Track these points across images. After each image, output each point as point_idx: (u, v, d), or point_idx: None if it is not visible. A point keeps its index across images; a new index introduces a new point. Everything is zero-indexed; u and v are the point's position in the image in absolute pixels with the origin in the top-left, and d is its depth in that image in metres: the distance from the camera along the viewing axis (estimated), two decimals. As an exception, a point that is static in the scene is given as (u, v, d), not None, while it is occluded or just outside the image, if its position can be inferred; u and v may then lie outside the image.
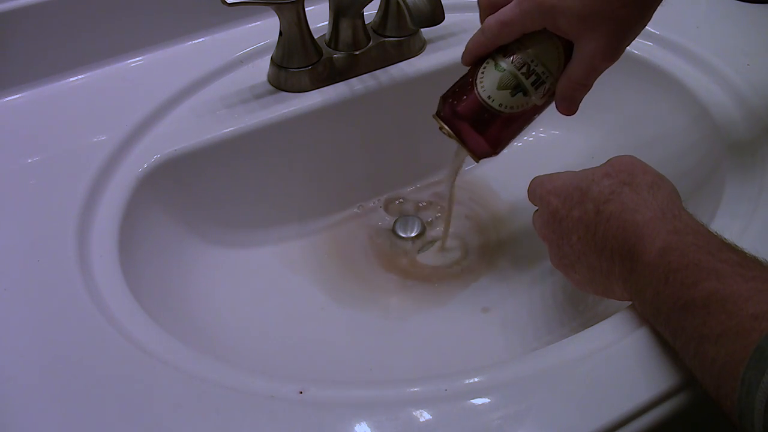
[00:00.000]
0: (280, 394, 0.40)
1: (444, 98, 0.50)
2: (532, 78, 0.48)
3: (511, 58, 0.48)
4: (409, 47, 0.65)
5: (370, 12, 0.63)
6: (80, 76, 0.62)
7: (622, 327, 0.42)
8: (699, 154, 0.60)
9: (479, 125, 0.49)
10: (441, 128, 0.50)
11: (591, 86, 0.49)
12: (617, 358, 0.41)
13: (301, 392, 0.40)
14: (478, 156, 0.51)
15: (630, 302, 0.44)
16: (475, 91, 0.48)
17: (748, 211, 0.50)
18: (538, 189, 0.51)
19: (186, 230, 0.58)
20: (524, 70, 0.47)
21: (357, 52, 0.62)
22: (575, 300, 0.58)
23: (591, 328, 0.43)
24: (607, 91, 0.67)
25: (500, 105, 0.48)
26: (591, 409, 0.38)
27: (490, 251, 0.64)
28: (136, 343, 0.43)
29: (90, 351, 0.42)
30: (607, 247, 0.43)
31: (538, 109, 0.50)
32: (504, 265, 0.62)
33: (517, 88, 0.48)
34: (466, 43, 0.50)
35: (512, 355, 0.54)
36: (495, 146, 0.50)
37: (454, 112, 0.49)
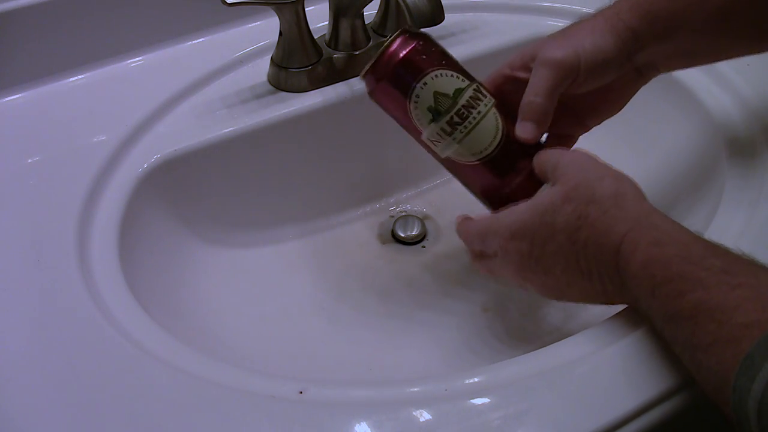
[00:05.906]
0: (280, 394, 0.40)
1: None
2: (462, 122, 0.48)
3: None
4: (409, 47, 0.65)
5: (370, 12, 0.63)
6: (80, 76, 0.62)
7: (622, 327, 0.42)
8: (698, 153, 0.60)
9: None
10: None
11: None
12: (617, 358, 0.41)
13: (301, 392, 0.40)
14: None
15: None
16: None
17: (748, 210, 0.50)
18: (491, 239, 0.47)
19: (186, 230, 0.58)
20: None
21: (357, 52, 0.62)
22: (575, 300, 0.58)
23: (591, 328, 0.43)
24: (607, 91, 0.67)
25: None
26: (591, 409, 0.39)
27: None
28: (136, 343, 0.43)
29: (90, 351, 0.42)
30: (594, 271, 0.43)
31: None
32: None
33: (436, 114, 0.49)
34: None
35: (512, 355, 0.54)
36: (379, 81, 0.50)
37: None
